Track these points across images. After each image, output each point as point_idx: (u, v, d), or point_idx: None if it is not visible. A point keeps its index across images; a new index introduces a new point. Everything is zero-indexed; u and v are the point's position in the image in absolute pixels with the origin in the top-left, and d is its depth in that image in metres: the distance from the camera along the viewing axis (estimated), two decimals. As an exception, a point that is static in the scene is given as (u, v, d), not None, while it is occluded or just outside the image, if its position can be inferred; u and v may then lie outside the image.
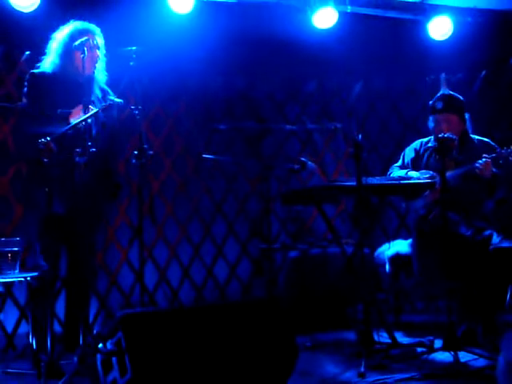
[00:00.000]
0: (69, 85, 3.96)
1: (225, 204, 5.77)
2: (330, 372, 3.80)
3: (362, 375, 3.53)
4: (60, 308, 4.25)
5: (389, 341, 4.08)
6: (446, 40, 5.46)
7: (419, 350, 4.02)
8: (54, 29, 4.07)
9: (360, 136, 3.89)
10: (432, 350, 3.95)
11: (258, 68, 5.68)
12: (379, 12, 5.39)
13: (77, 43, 3.92)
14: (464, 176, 4.30)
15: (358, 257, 4.23)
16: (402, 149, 4.84)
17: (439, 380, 3.48)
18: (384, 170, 5.06)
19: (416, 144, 4.69)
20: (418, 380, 3.48)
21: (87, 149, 3.73)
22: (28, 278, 3.76)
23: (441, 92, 4.67)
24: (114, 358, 3.04)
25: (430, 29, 5.45)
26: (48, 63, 4.03)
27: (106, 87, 4.15)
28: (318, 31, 5.16)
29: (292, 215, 5.70)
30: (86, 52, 3.83)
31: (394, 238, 5.22)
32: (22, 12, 4.46)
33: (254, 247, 5.70)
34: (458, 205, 4.29)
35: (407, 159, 4.66)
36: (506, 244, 4.17)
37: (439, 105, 4.44)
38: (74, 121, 3.86)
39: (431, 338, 4.11)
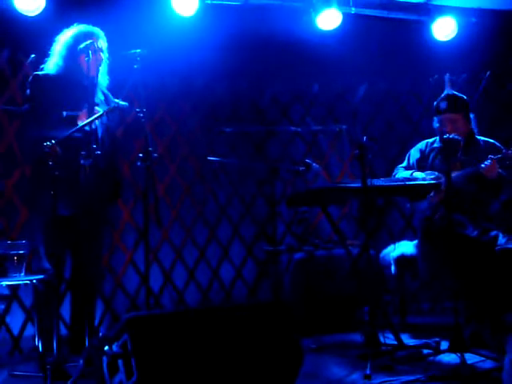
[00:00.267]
0: (73, 87, 3.97)
1: (230, 206, 5.76)
2: (336, 374, 3.79)
3: (367, 377, 3.53)
4: (66, 310, 4.26)
5: (395, 342, 4.08)
6: (451, 40, 5.46)
7: (425, 351, 4.00)
8: (59, 32, 4.09)
9: (365, 137, 3.89)
10: (438, 351, 3.94)
11: (262, 70, 5.68)
12: (383, 13, 5.39)
13: (82, 46, 3.95)
14: (469, 177, 4.29)
15: (364, 258, 4.23)
16: (408, 150, 4.84)
17: (445, 382, 3.47)
18: (389, 172, 5.06)
19: (421, 145, 4.68)
20: (424, 382, 3.47)
21: (92, 151, 3.74)
22: (34, 281, 3.77)
23: (445, 92, 4.67)
24: (120, 361, 3.04)
25: (434, 29, 5.45)
26: (52, 65, 4.05)
27: (106, 91, 4.16)
28: (321, 33, 5.17)
29: (297, 217, 5.69)
30: (90, 55, 3.85)
31: (400, 239, 5.21)
32: (27, 16, 4.48)
33: (260, 249, 5.70)
34: (464, 206, 4.28)
35: (412, 160, 4.65)
36: (512, 245, 4.16)
37: (443, 105, 4.44)
38: (81, 123, 3.88)
39: (437, 339, 4.11)
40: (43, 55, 4.11)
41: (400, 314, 4.88)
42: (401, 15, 5.42)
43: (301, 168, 4.48)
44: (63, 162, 3.62)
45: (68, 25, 4.08)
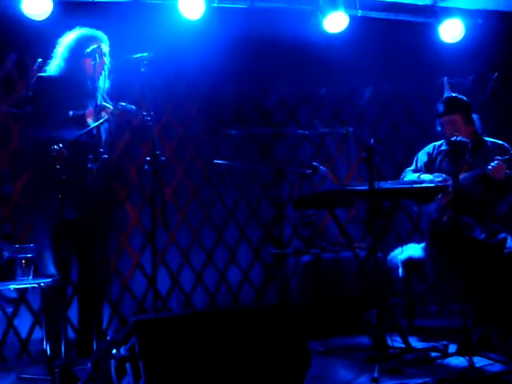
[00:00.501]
0: (75, 89, 4.00)
1: (237, 209, 5.76)
2: (344, 377, 3.79)
3: (375, 380, 3.52)
4: (74, 314, 4.27)
5: (402, 345, 4.06)
6: (457, 42, 5.44)
7: (433, 354, 3.99)
8: (66, 36, 4.11)
9: (372, 140, 3.88)
10: (446, 354, 3.93)
11: (269, 73, 5.68)
12: (390, 15, 5.39)
13: (89, 50, 3.97)
14: (477, 179, 4.28)
15: (371, 261, 4.22)
16: (415, 152, 4.83)
17: (454, 385, 3.47)
18: (397, 174, 5.05)
19: (429, 148, 4.68)
20: (432, 385, 3.47)
21: (100, 155, 3.75)
22: (42, 284, 3.78)
23: (444, 95, 4.68)
24: (127, 364, 3.05)
25: (441, 31, 5.44)
26: (54, 67, 4.07)
27: (105, 95, 4.18)
28: (328, 35, 5.16)
29: (304, 220, 5.68)
30: (97, 59, 3.87)
31: (407, 241, 5.19)
32: (34, 20, 4.50)
33: (267, 252, 5.69)
34: (472, 208, 4.27)
35: (420, 163, 4.65)
36: (521, 247, 4.14)
37: (441, 108, 4.48)
38: (90, 121, 3.90)
39: (445, 342, 4.09)
40: (50, 59, 4.13)
41: (408, 317, 4.87)
42: (407, 17, 5.41)
43: (308, 171, 4.48)
44: (70, 165, 3.63)
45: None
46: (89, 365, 3.47)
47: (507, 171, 4.24)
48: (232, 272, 5.70)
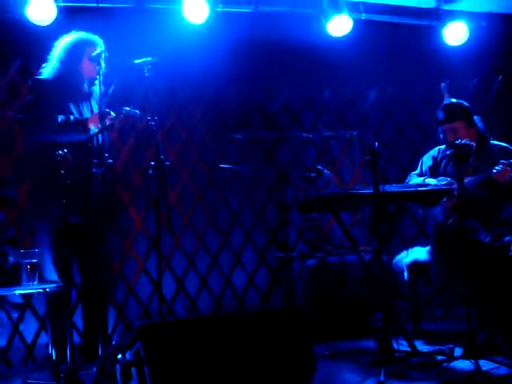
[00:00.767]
0: (72, 91, 4.02)
1: (241, 213, 5.76)
2: (349, 381, 3.79)
3: (381, 384, 3.51)
4: (79, 319, 4.27)
5: (408, 349, 4.05)
6: (462, 45, 5.44)
7: (439, 358, 3.97)
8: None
9: (376, 143, 3.88)
10: (452, 358, 3.91)
11: (273, 76, 5.68)
12: (394, 19, 5.39)
13: (93, 54, 3.98)
14: (481, 182, 4.28)
15: (376, 264, 4.21)
16: (420, 155, 4.83)
17: (460, 389, 3.46)
18: (401, 177, 5.04)
19: (434, 151, 4.68)
20: (438, 389, 3.46)
21: (104, 160, 3.76)
22: (47, 290, 3.78)
23: (444, 102, 4.67)
24: (133, 369, 3.05)
25: (445, 34, 5.43)
26: (50, 69, 4.09)
27: (98, 101, 4.20)
28: (332, 39, 5.17)
29: (309, 223, 5.68)
30: (102, 64, 3.89)
31: (412, 245, 5.19)
32: (38, 26, 4.51)
33: (272, 256, 5.69)
34: (476, 211, 4.26)
35: (425, 167, 4.65)
36: (526, 250, 4.13)
37: (441, 115, 4.47)
38: (93, 127, 3.91)
39: (451, 345, 4.07)
40: (47, 62, 4.16)
41: (413, 321, 4.86)
42: (411, 21, 5.41)
43: (312, 174, 4.47)
44: (75, 170, 3.64)
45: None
46: (94, 370, 3.48)
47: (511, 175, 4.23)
48: (237, 276, 5.70)
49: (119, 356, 3.17)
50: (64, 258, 3.91)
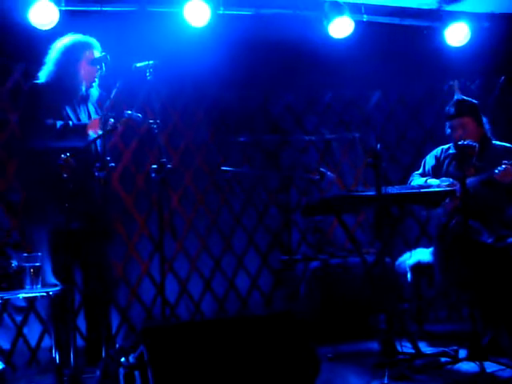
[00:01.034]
0: (69, 93, 4.03)
1: (244, 216, 5.76)
2: (353, 383, 3.77)
3: (385, 386, 3.51)
4: (82, 322, 4.27)
5: (412, 351, 4.04)
6: (464, 46, 5.43)
7: (443, 360, 3.95)
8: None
9: (379, 145, 3.88)
10: (456, 360, 3.89)
11: (275, 79, 5.69)
12: (395, 20, 5.38)
13: (95, 58, 3.99)
14: (484, 183, 4.27)
15: (379, 266, 4.21)
16: (422, 156, 4.83)
17: (464, 391, 3.45)
18: (404, 179, 5.03)
19: (437, 151, 4.68)
20: (442, 391, 3.45)
21: (107, 163, 3.76)
22: (50, 293, 3.79)
23: (454, 98, 4.66)
24: (136, 372, 3.05)
25: (446, 35, 5.43)
26: (47, 72, 4.09)
27: (95, 104, 4.21)
28: (334, 41, 5.16)
29: (312, 226, 5.68)
30: (104, 68, 3.89)
31: (415, 246, 5.18)
32: (41, 30, 4.52)
33: (275, 259, 5.69)
34: (479, 212, 4.25)
35: (428, 167, 4.65)
36: (529, 251, 4.12)
37: (451, 110, 4.47)
38: (92, 132, 3.91)
39: (455, 347, 4.05)
40: (43, 65, 4.16)
41: (417, 322, 4.84)
42: (413, 22, 5.41)
43: (315, 177, 4.47)
44: (77, 174, 3.64)
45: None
46: (98, 373, 3.47)
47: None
48: (240, 279, 5.70)
49: (123, 359, 3.17)
50: (66, 263, 3.91)
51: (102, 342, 3.76)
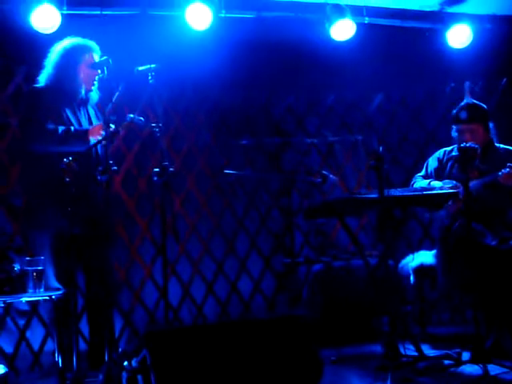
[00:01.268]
0: (68, 95, 4.03)
1: (247, 219, 5.76)
2: (356, 386, 3.78)
3: (388, 389, 3.50)
4: (85, 326, 4.27)
5: (415, 353, 4.03)
6: (466, 48, 5.42)
7: (446, 362, 3.95)
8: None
9: (381, 148, 3.87)
10: (460, 362, 3.88)
11: (277, 81, 5.69)
12: (397, 22, 5.38)
13: (98, 61, 3.99)
14: (487, 185, 4.26)
15: (382, 269, 4.20)
16: (425, 158, 4.82)
17: (468, 393, 3.44)
18: (406, 181, 5.02)
19: (439, 153, 4.66)
20: (446, 393, 3.45)
21: (109, 167, 3.76)
22: (53, 297, 3.79)
23: (465, 101, 4.61)
24: (139, 376, 3.05)
25: (448, 37, 5.42)
26: (46, 75, 4.09)
27: (95, 107, 4.20)
28: (336, 43, 5.16)
29: (315, 228, 5.67)
30: (105, 71, 3.89)
31: (418, 249, 5.17)
32: (42, 33, 4.52)
33: (278, 262, 5.68)
34: (482, 214, 4.24)
35: (430, 169, 4.64)
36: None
37: (463, 114, 4.39)
38: (92, 137, 3.91)
39: (458, 350, 4.05)
40: (42, 68, 4.17)
41: (420, 325, 4.84)
42: (415, 24, 5.41)
43: (317, 179, 4.47)
44: (80, 177, 3.64)
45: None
46: (100, 377, 3.47)
47: (518, 178, 4.21)
48: (243, 282, 5.69)
49: (125, 363, 3.17)
50: (68, 267, 3.91)
51: (104, 346, 3.75)
